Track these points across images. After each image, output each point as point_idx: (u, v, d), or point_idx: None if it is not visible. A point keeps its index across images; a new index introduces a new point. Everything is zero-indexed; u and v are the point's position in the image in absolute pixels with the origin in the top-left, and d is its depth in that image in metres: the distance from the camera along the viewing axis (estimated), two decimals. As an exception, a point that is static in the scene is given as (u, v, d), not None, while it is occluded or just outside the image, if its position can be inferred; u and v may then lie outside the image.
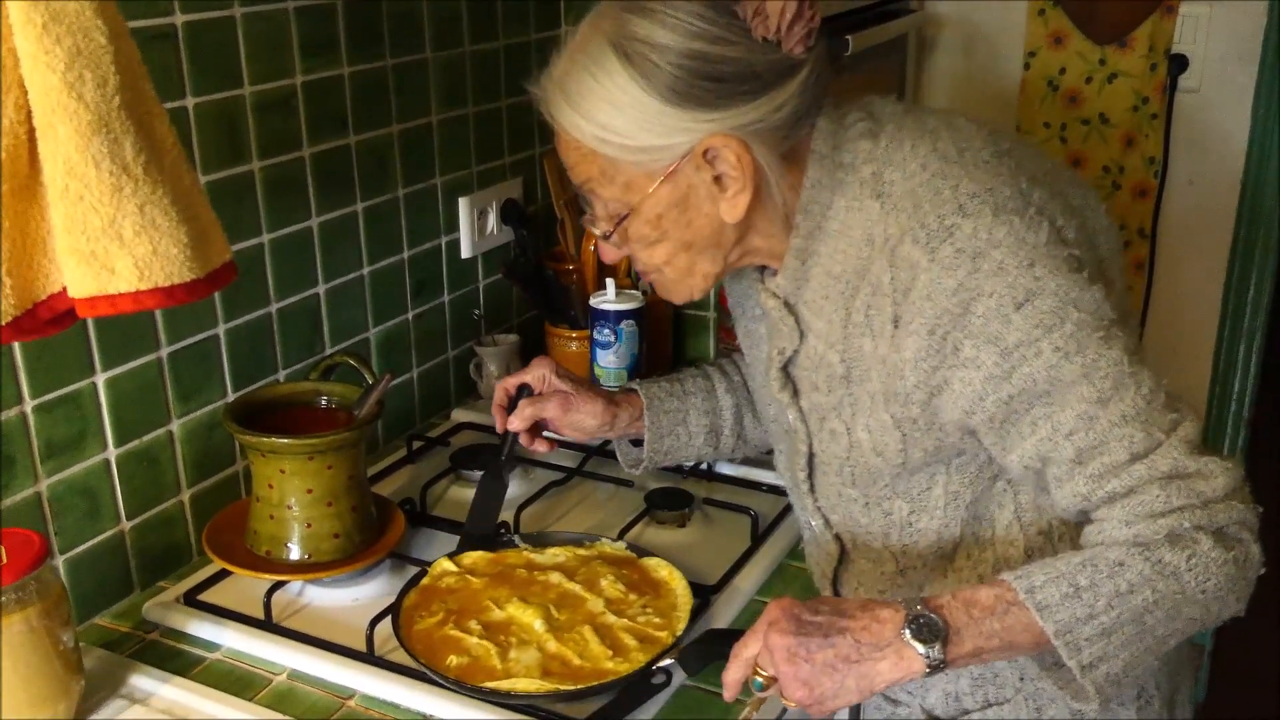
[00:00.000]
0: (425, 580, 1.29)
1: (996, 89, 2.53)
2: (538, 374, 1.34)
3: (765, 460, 1.43)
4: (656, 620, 1.21)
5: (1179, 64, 2.35)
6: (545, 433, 1.37)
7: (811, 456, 1.18)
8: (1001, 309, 0.96)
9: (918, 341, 1.00)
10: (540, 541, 1.36)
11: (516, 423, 1.31)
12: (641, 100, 1.01)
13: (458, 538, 1.38)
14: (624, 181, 1.07)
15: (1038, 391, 0.98)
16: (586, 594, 1.25)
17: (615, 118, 1.02)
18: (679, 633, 1.19)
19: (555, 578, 1.28)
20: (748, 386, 1.39)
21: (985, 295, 0.97)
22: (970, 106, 2.54)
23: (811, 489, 1.20)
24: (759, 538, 1.42)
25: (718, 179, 1.05)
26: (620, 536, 1.39)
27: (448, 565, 1.31)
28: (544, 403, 1.32)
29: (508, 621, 1.21)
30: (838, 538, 1.21)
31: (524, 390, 1.34)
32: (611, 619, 1.21)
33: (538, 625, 1.20)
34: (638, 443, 1.37)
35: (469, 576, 1.29)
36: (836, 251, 1.07)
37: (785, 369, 1.16)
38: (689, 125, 1.02)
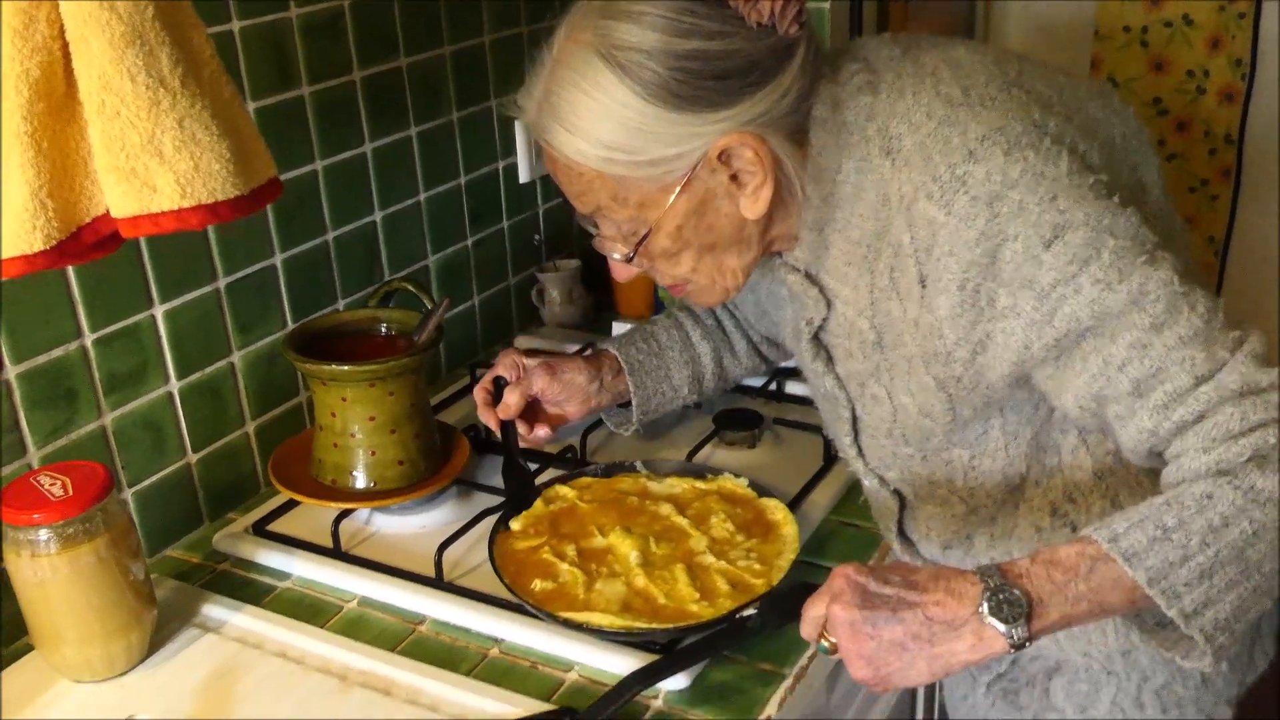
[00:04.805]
0: (538, 504, 1.27)
1: (1072, -9, 2.42)
2: (507, 363, 1.31)
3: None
4: (756, 567, 1.16)
5: (1268, -44, 2.22)
6: (541, 430, 1.32)
7: (855, 420, 1.14)
8: (1030, 250, 0.90)
9: (949, 299, 0.95)
10: (661, 469, 1.33)
11: (510, 409, 1.28)
12: (645, 111, 0.95)
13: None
14: (638, 200, 1.01)
15: (1083, 329, 0.91)
16: (693, 530, 1.21)
17: (619, 134, 0.96)
18: (775, 583, 1.14)
19: (665, 509, 1.25)
20: (723, 327, 1.37)
21: (1010, 239, 0.91)
22: (1046, 9, 2.44)
23: (860, 453, 1.16)
24: (832, 458, 1.38)
25: (734, 177, 1.00)
26: (689, 458, 1.36)
27: (563, 490, 1.29)
28: (528, 379, 1.29)
29: (605, 550, 1.19)
30: (896, 493, 1.17)
31: (500, 383, 1.30)
32: (710, 560, 1.17)
33: (633, 558, 1.17)
34: (623, 404, 1.34)
35: (578, 502, 1.27)
36: (853, 215, 1.02)
37: (817, 337, 1.12)
38: (700, 129, 0.96)
